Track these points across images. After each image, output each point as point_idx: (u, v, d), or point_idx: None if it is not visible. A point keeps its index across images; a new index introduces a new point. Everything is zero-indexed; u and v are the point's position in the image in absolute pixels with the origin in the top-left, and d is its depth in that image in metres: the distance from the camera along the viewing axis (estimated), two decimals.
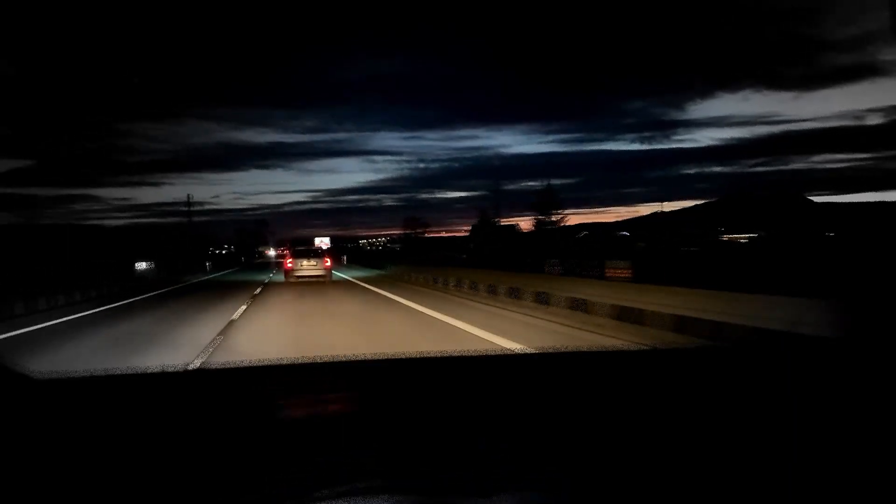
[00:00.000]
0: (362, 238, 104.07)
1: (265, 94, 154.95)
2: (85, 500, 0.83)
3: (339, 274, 27.02)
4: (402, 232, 77.45)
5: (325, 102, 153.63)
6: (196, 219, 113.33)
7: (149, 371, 1.61)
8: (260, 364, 1.64)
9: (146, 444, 1.03)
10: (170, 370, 1.65)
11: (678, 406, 1.19)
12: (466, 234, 77.87)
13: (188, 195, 71.70)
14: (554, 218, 56.26)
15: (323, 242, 76.49)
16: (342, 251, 67.02)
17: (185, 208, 65.39)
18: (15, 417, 1.11)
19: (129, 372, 1.55)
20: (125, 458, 0.96)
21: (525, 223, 62.20)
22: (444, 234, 80.00)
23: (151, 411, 1.26)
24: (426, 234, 77.00)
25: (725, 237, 48.68)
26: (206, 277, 30.04)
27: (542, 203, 56.20)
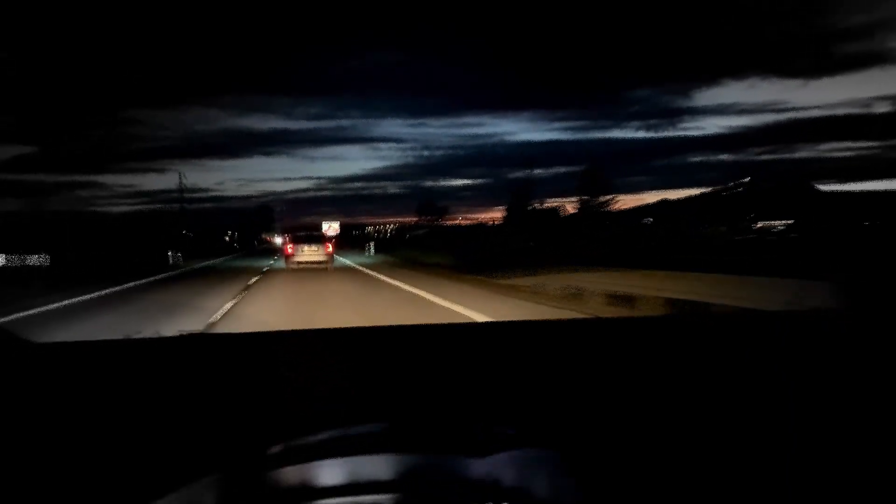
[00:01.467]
0: (368, 225, 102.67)
1: (269, 80, 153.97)
2: (74, 454, 0.87)
3: (376, 275, 17.79)
4: (416, 219, 74.50)
5: (330, 89, 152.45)
6: (201, 206, 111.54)
7: (144, 337, 1.66)
8: (254, 332, 1.67)
9: (138, 402, 1.08)
10: (165, 336, 1.66)
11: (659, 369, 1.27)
12: (475, 222, 74.23)
13: (180, 175, 60.23)
14: (601, 200, 47.86)
15: (331, 227, 71.96)
16: (367, 238, 62.45)
17: (177, 194, 58.74)
18: (17, 377, 1.22)
19: (125, 338, 1.61)
20: (117, 413, 1.02)
21: (566, 206, 53.47)
22: (461, 222, 76.84)
23: (146, 373, 1.31)
24: (444, 222, 73.00)
25: (759, 224, 45.21)
26: (150, 280, 17.58)
27: (587, 185, 48.40)
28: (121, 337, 1.71)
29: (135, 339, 1.64)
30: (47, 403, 1.08)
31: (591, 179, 48.00)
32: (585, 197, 47.70)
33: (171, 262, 29.41)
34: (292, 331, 1.75)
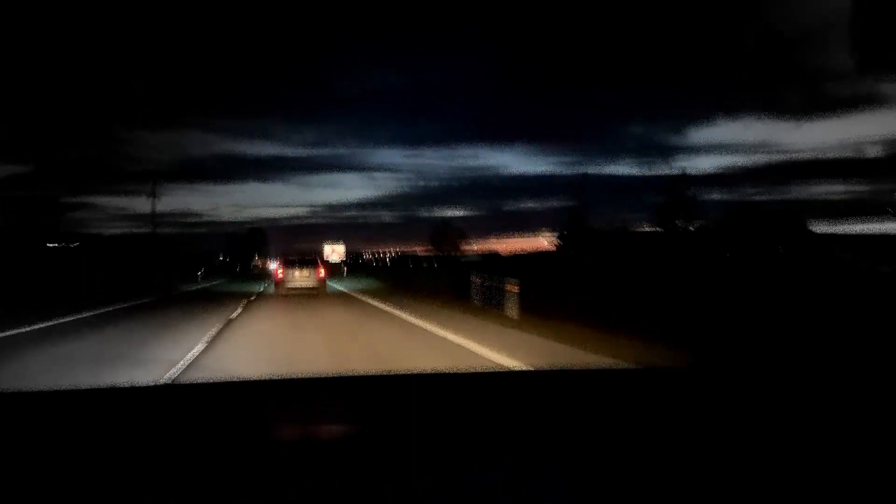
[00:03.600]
0: (365, 252, 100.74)
1: (266, 107, 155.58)
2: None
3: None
4: (430, 248, 70.75)
5: (326, 117, 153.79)
6: (195, 231, 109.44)
7: (106, 386, 1.56)
8: (233, 380, 1.57)
9: (91, 457, 0.98)
10: (130, 385, 1.58)
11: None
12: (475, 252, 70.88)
13: (153, 194, 48.17)
14: (685, 224, 41.29)
15: (335, 251, 64.61)
16: (364, 265, 53.01)
17: (152, 214, 49.97)
18: None
19: (80, 387, 1.47)
20: (70, 468, 0.94)
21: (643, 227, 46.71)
22: (477, 250, 73.60)
23: (107, 426, 1.20)
24: (457, 251, 69.16)
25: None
26: None
27: (671, 206, 41.27)
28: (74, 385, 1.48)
29: (90, 389, 1.52)
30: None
31: (676, 199, 41.86)
32: (664, 219, 41.59)
33: None
34: (258, 380, 1.54)
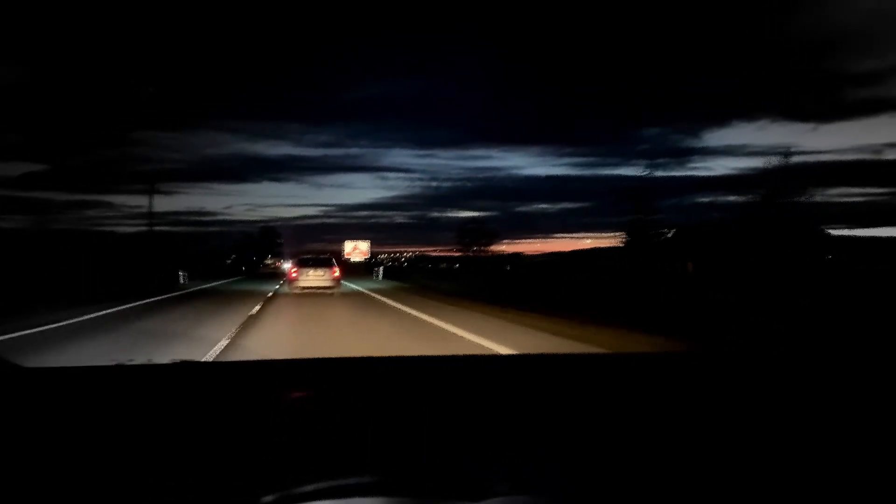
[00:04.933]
0: (381, 253, 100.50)
1: (280, 107, 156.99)
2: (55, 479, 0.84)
3: None
4: (458, 248, 67.25)
5: (340, 118, 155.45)
6: (209, 229, 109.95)
7: (136, 363, 1.53)
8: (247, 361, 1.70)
9: (127, 435, 1.01)
10: (159, 363, 1.57)
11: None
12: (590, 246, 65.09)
13: (150, 194, 43.93)
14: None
15: (357, 248, 59.26)
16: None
17: (149, 213, 45.61)
18: (5, 400, 1.18)
19: (117, 363, 1.50)
20: (105, 445, 0.96)
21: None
22: (508, 250, 70.70)
23: (138, 402, 1.24)
24: (491, 250, 65.56)
25: None
26: None
27: (773, 194, 36.46)
28: (113, 363, 1.57)
29: (127, 366, 1.56)
30: (33, 430, 1.04)
31: (771, 198, 37.21)
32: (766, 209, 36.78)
33: None
34: (287, 360, 1.65)
